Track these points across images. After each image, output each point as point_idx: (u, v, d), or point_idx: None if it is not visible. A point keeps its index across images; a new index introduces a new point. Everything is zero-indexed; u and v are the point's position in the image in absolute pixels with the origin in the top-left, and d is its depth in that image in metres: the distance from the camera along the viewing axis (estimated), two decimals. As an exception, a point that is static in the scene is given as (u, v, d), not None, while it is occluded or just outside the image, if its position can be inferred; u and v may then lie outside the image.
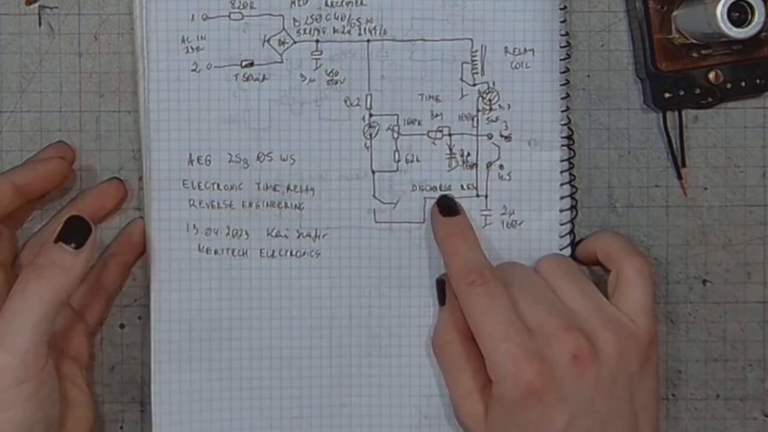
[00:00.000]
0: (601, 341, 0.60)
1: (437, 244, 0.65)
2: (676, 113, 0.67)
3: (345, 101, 0.65)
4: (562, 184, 0.66)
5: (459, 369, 0.63)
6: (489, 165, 0.66)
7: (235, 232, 0.66)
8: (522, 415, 0.60)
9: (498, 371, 0.60)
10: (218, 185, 0.65)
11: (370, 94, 0.65)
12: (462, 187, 0.66)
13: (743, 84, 0.66)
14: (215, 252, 0.66)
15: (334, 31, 0.65)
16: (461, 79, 0.66)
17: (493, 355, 0.60)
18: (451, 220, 0.65)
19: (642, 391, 0.61)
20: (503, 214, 0.66)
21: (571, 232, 0.66)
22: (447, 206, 0.65)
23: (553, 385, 0.59)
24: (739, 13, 0.63)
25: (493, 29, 0.65)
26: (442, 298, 0.65)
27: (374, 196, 0.66)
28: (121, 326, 0.68)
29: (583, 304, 0.62)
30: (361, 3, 0.65)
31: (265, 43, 0.65)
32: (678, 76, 0.66)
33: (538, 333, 0.60)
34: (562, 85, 0.66)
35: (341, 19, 0.65)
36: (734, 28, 0.62)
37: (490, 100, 0.66)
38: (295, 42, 0.65)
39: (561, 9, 0.65)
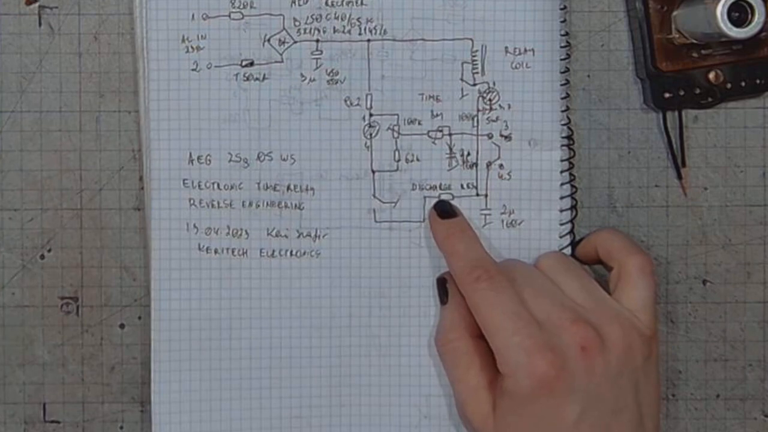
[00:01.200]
0: (607, 333, 0.60)
1: (438, 247, 0.65)
2: (676, 113, 0.67)
3: (345, 101, 0.65)
4: (562, 184, 0.66)
5: (465, 366, 0.63)
6: (489, 165, 0.66)
7: (235, 231, 0.66)
8: (533, 408, 0.60)
9: (510, 364, 0.60)
10: (218, 185, 0.65)
11: (371, 94, 0.65)
12: (462, 186, 0.66)
13: (743, 84, 0.66)
14: (215, 251, 0.66)
15: (335, 30, 0.65)
16: (461, 79, 0.66)
17: (505, 349, 0.60)
18: (449, 221, 0.65)
19: (646, 386, 0.61)
20: (503, 213, 0.66)
21: (571, 232, 0.66)
22: (444, 210, 0.65)
23: (565, 376, 0.59)
24: (739, 13, 0.63)
25: (494, 29, 0.65)
26: (444, 297, 0.65)
27: (374, 195, 0.66)
28: (121, 326, 0.68)
29: (587, 299, 0.62)
30: (362, 3, 0.65)
31: (266, 43, 0.65)
32: (678, 76, 0.66)
33: (547, 325, 0.60)
34: (562, 85, 0.66)
35: (341, 18, 0.65)
36: (734, 28, 0.62)
37: (490, 100, 0.66)
38: (295, 42, 0.65)
39: (561, 9, 0.65)
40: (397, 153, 0.66)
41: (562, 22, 0.66)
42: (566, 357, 0.59)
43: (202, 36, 0.65)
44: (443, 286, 0.65)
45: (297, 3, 0.65)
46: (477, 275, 0.62)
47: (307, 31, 0.65)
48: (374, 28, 0.65)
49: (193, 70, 0.65)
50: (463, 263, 0.63)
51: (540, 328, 0.60)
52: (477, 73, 0.66)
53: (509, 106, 0.66)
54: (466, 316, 0.63)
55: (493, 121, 0.66)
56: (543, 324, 0.60)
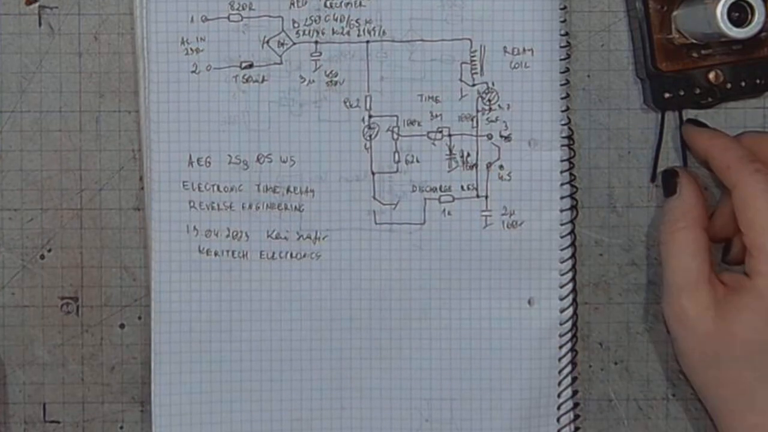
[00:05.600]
0: None
1: (699, 150, 0.65)
2: (676, 113, 0.67)
3: (344, 102, 0.65)
4: (562, 184, 0.66)
5: (690, 255, 0.63)
6: (489, 165, 0.66)
7: (235, 233, 0.66)
8: None
9: None
10: (218, 187, 0.65)
11: (370, 95, 0.65)
12: (462, 187, 0.66)
13: (743, 84, 0.66)
14: (215, 254, 0.66)
15: (333, 32, 0.65)
16: (460, 80, 0.66)
17: None
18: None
19: None
20: (504, 214, 0.66)
21: (572, 232, 0.66)
22: (698, 123, 0.67)
23: None
24: (739, 13, 0.62)
25: (492, 29, 0.65)
26: (671, 188, 0.65)
27: (374, 197, 0.66)
28: (121, 326, 0.68)
29: None
30: (360, 4, 0.65)
31: (265, 45, 0.65)
32: (678, 76, 0.66)
33: None
34: (562, 85, 0.66)
35: (340, 20, 0.65)
36: (734, 28, 0.62)
37: (489, 100, 0.66)
38: (294, 43, 0.65)
39: (561, 9, 0.65)
40: (396, 154, 0.66)
41: (561, 22, 0.65)
42: None
43: (201, 38, 0.65)
44: (673, 177, 0.65)
45: (296, 5, 0.65)
46: (757, 167, 0.62)
47: (306, 32, 0.65)
48: (373, 29, 0.65)
49: (192, 72, 0.65)
50: (741, 153, 0.63)
51: None
52: (476, 73, 0.66)
53: (509, 107, 0.66)
54: (695, 207, 0.63)
55: (493, 121, 0.66)
56: None
